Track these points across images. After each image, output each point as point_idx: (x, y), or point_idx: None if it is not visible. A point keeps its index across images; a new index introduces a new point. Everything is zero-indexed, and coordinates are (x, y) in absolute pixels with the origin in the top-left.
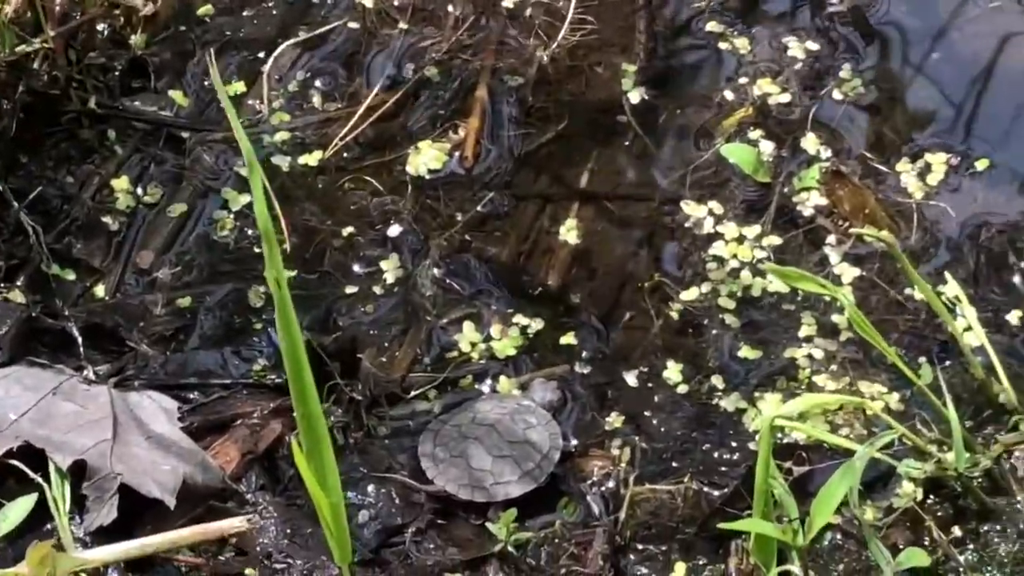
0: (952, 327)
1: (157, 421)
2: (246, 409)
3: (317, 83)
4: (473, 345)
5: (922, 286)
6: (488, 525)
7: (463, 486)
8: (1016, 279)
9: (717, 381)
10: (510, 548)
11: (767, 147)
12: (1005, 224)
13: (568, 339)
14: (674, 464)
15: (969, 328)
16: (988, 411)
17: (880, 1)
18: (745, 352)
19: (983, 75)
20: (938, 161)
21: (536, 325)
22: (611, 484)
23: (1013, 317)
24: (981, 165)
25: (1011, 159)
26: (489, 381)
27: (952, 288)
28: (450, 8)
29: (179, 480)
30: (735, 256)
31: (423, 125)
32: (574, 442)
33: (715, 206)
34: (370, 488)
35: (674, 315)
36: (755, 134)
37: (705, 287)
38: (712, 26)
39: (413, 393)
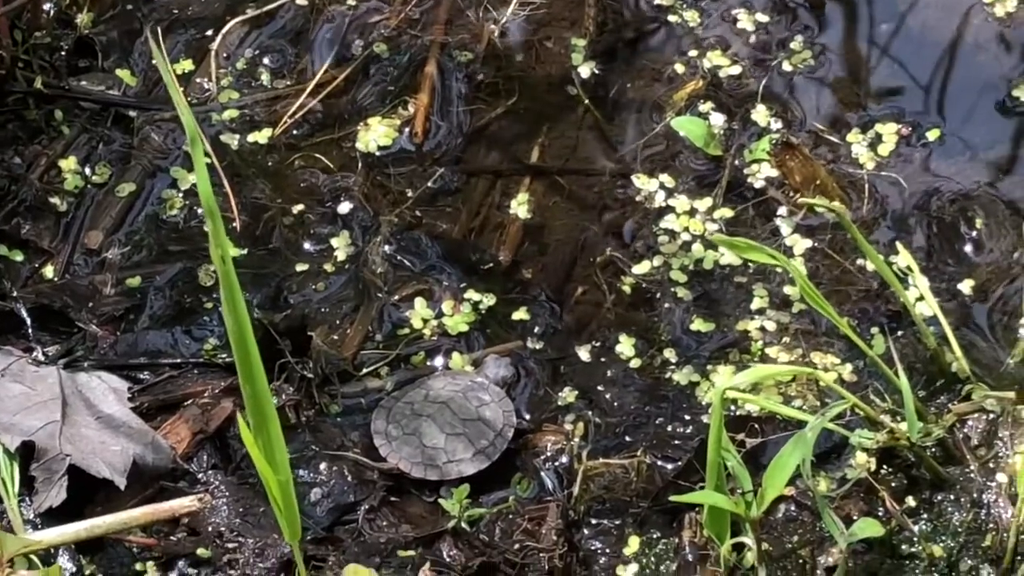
0: (904, 297)
1: (107, 401)
2: (197, 388)
3: (266, 60)
4: (425, 322)
5: (873, 256)
6: (441, 502)
7: (416, 464)
8: (968, 248)
9: (670, 355)
10: (463, 524)
11: (718, 120)
12: (956, 194)
13: (520, 315)
14: (627, 438)
15: (921, 298)
16: (941, 381)
17: None
18: (698, 325)
19: (933, 45)
20: (889, 132)
21: (488, 301)
22: (564, 459)
23: (965, 287)
24: (932, 135)
25: (962, 129)
26: (441, 358)
27: (904, 258)
28: None
29: (129, 460)
30: (687, 229)
31: (372, 101)
32: (527, 417)
33: (666, 179)
34: (322, 466)
35: (626, 289)
36: (706, 107)
37: (657, 261)
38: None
39: (365, 370)
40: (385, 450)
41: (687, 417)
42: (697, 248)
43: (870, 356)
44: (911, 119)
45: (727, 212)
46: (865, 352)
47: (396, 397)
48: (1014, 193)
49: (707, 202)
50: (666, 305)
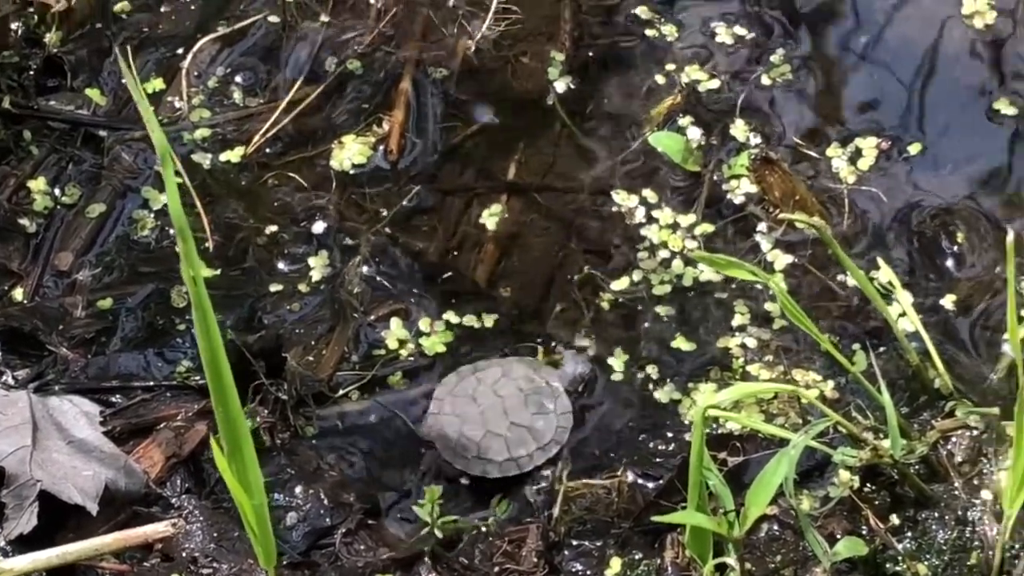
0: (885, 313)
1: (78, 426)
2: (170, 412)
3: (237, 78)
4: (401, 342)
5: (854, 272)
6: (416, 508)
7: (447, 448)
8: (950, 263)
9: (651, 372)
10: (439, 533)
11: (696, 135)
12: (938, 208)
13: (499, 333)
14: (609, 457)
15: (903, 314)
16: (924, 397)
17: None
18: (679, 342)
19: (913, 58)
20: (869, 146)
21: (466, 320)
22: (545, 479)
23: (947, 302)
24: (913, 149)
25: (942, 142)
26: (419, 378)
27: (885, 273)
28: (372, 0)
29: (101, 486)
30: (666, 245)
31: (346, 119)
32: None
33: (645, 195)
34: (298, 489)
35: (606, 306)
36: (684, 122)
37: (637, 277)
38: (639, 12)
39: (340, 392)
40: (429, 421)
41: (669, 435)
42: (677, 264)
43: (852, 373)
44: (891, 133)
45: (707, 228)
46: (847, 369)
47: (475, 368)
48: (995, 207)
49: (687, 218)
50: (647, 322)
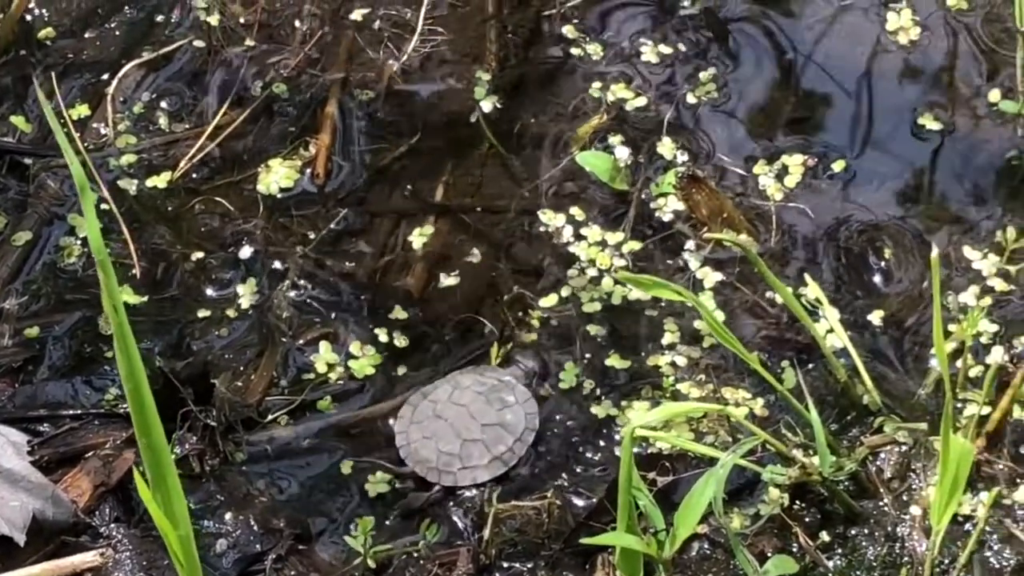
0: (812, 330)
1: (5, 455)
2: (98, 440)
3: (163, 104)
4: (331, 366)
5: (781, 290)
6: (347, 539)
7: (431, 469)
8: (877, 279)
9: (583, 390)
10: (372, 563)
11: (623, 153)
12: (865, 224)
13: (428, 355)
14: (540, 478)
15: (831, 330)
16: (852, 413)
17: (732, 2)
18: (610, 361)
19: (838, 75)
20: (795, 163)
21: (395, 342)
22: (475, 501)
23: (875, 317)
24: (838, 166)
25: (869, 158)
26: (348, 401)
27: (813, 290)
28: (297, 23)
29: (29, 516)
30: (595, 264)
31: (273, 143)
32: None
33: (573, 214)
34: (228, 516)
35: (536, 324)
36: (611, 140)
37: (566, 295)
38: (565, 32)
39: (270, 417)
40: (404, 453)
41: (600, 455)
42: (607, 282)
43: (780, 391)
44: (817, 150)
45: (635, 246)
46: (775, 387)
47: (424, 394)
48: (921, 222)
49: (615, 236)
50: (577, 341)
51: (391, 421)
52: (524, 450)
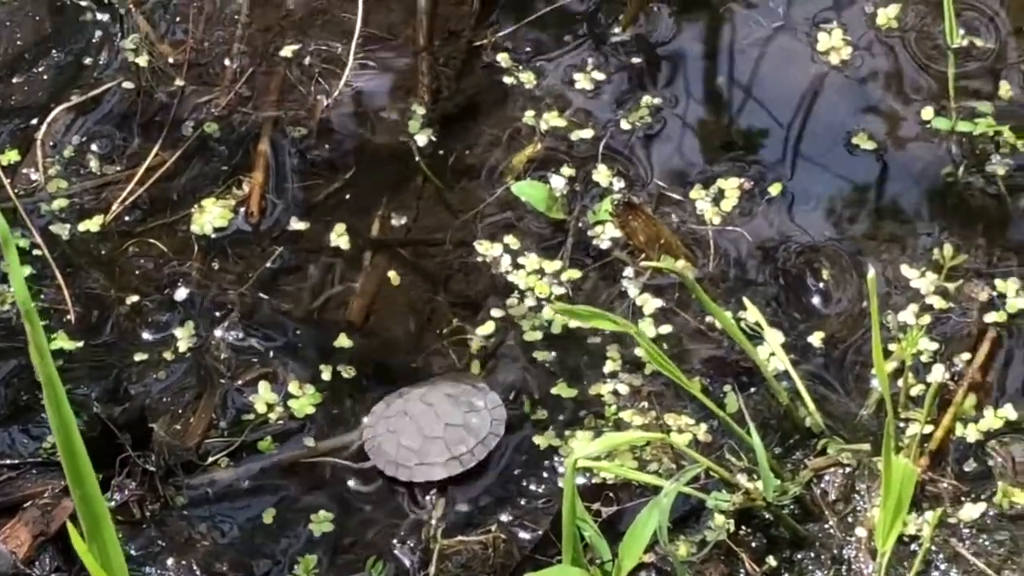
0: (752, 355)
1: None
2: (36, 489)
3: (94, 147)
4: (270, 406)
5: (720, 315)
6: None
7: (389, 463)
8: (816, 300)
9: (525, 421)
10: None
11: (559, 182)
12: (802, 245)
13: (368, 391)
14: (485, 511)
15: (773, 354)
16: (796, 436)
17: (664, 27)
18: (553, 390)
19: (771, 97)
20: (731, 186)
21: (335, 379)
22: (420, 538)
23: (816, 339)
24: (774, 189)
25: (804, 179)
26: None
27: (752, 314)
28: (227, 62)
29: None
30: (534, 292)
31: (206, 183)
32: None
33: (511, 244)
34: (170, 561)
35: (476, 354)
36: (546, 170)
37: (506, 325)
38: (497, 61)
39: (210, 459)
40: (368, 446)
41: (544, 487)
42: (547, 311)
43: (721, 417)
44: (753, 173)
45: (574, 274)
46: (716, 413)
47: (400, 393)
48: (859, 242)
49: (553, 265)
50: (518, 371)
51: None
52: (485, 454)
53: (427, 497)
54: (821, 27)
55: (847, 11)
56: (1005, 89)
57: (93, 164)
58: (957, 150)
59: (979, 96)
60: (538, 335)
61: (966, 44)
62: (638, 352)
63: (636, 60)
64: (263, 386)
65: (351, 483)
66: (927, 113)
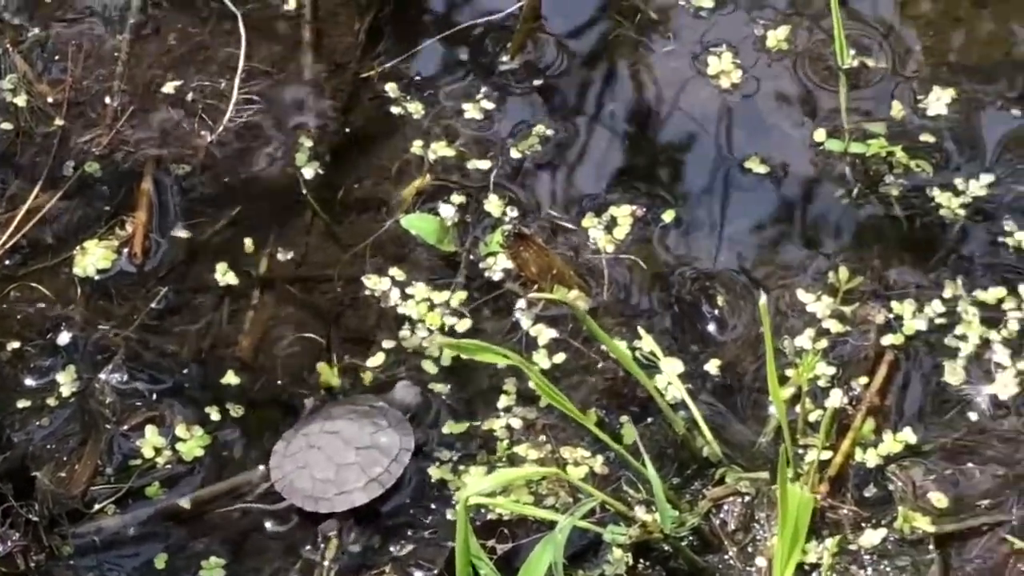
0: (647, 385)
1: None
2: None
3: None
4: (157, 450)
5: (612, 347)
6: None
7: (307, 498)
8: (711, 328)
9: (418, 456)
10: None
11: (450, 213)
12: (697, 272)
13: (259, 435)
14: (379, 551)
15: (669, 383)
16: (694, 466)
17: (552, 54)
18: (448, 427)
19: (663, 122)
20: (623, 214)
21: (224, 420)
22: None
23: (712, 367)
24: (668, 216)
25: (697, 205)
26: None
27: (647, 343)
28: (107, 100)
29: None
30: (425, 325)
31: (89, 224)
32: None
33: (402, 277)
34: None
35: (368, 389)
36: (436, 201)
37: (398, 358)
38: (384, 92)
39: (96, 507)
40: (279, 486)
41: (438, 524)
42: (439, 343)
43: (616, 450)
44: (646, 200)
45: (467, 306)
46: (611, 446)
47: (296, 428)
48: (753, 266)
49: (444, 297)
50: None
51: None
52: (401, 470)
53: (319, 539)
54: (711, 51)
55: (737, 34)
56: (897, 109)
57: None
58: (850, 172)
59: (871, 117)
60: (432, 368)
61: (857, 64)
62: (533, 385)
63: (525, 88)
64: (150, 430)
65: (244, 526)
66: (820, 135)
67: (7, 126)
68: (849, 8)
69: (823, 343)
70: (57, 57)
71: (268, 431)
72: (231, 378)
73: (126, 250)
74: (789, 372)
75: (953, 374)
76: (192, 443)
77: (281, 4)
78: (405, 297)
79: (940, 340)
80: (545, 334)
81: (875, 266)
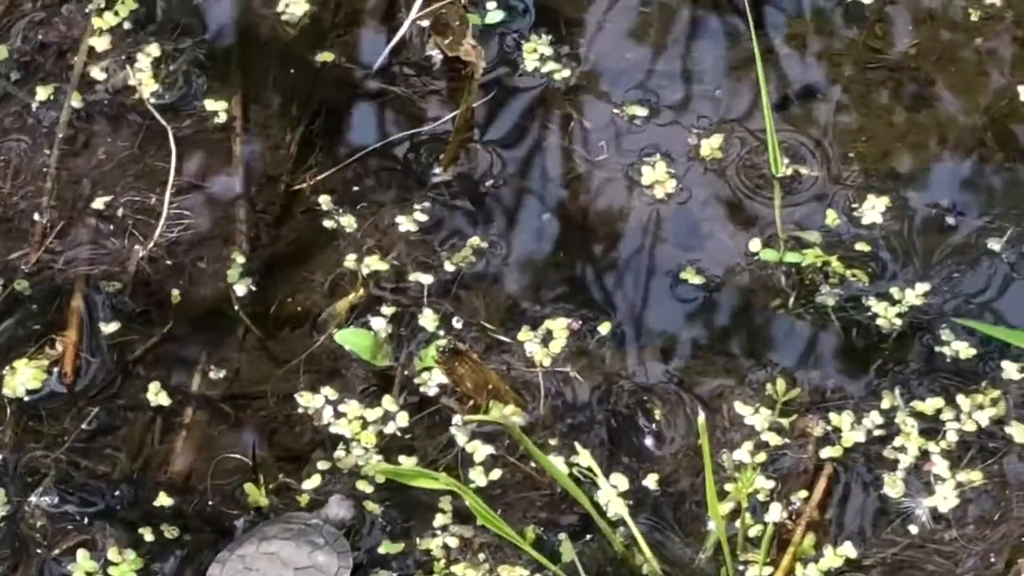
0: (583, 502)
1: None
2: None
3: None
4: (89, 574)
5: (547, 464)
6: None
7: None
8: (649, 441)
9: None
10: None
11: (382, 326)
12: (634, 385)
13: (194, 556)
14: None
15: (608, 500)
16: None
17: (485, 165)
18: (384, 547)
19: (598, 233)
20: (559, 327)
21: (158, 541)
22: None
23: (650, 481)
24: (603, 328)
25: (633, 317)
26: None
27: (584, 458)
28: (36, 216)
29: None
30: (359, 442)
31: (17, 343)
32: None
33: (335, 394)
34: None
35: (304, 510)
36: (370, 315)
37: (333, 477)
38: (317, 205)
39: None
40: None
41: None
42: (374, 462)
43: (553, 571)
44: (581, 312)
45: (403, 422)
46: (548, 566)
47: (231, 550)
48: (690, 379)
49: (378, 414)
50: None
51: None
52: None
53: None
54: (645, 160)
55: (670, 143)
56: (832, 217)
57: None
58: (786, 281)
59: (806, 226)
60: (367, 487)
61: (791, 173)
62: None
63: (459, 200)
64: (81, 554)
65: None
66: (755, 245)
67: None
68: (783, 114)
69: (762, 456)
70: None
71: (203, 551)
72: (164, 499)
73: (56, 369)
74: (728, 487)
75: (892, 486)
76: (124, 567)
77: (211, 117)
78: (338, 415)
79: (879, 452)
80: (481, 450)
81: (812, 377)
